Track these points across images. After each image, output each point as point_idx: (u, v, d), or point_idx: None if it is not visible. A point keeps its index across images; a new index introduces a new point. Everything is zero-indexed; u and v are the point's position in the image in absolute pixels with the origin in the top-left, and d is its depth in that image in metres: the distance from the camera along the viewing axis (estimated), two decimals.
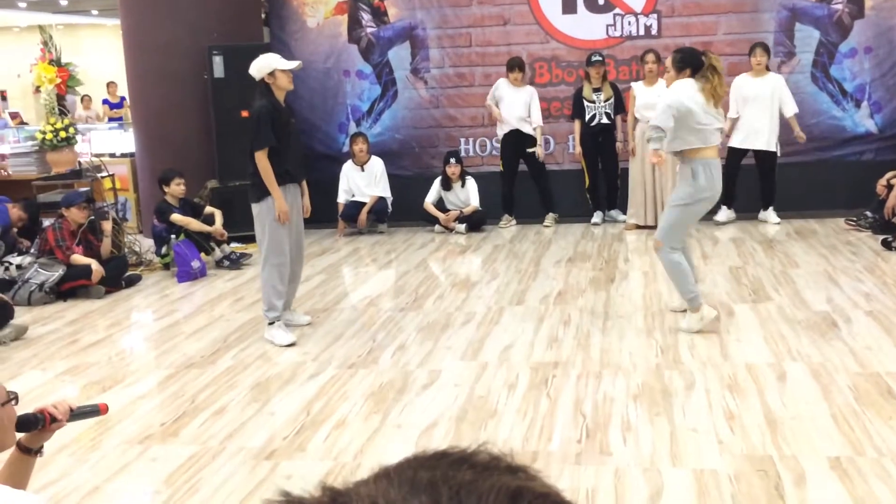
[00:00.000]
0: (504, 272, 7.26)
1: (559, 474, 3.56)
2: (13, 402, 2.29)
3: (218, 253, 8.00)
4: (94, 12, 19.83)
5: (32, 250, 7.36)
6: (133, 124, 9.77)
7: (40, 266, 7.09)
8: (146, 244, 8.48)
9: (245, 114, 5.86)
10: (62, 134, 9.09)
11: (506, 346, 5.30)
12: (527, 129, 9.04)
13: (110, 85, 17.30)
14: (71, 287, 7.12)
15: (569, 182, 9.37)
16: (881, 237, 7.48)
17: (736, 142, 8.43)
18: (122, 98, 15.86)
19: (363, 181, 9.28)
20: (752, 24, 9.08)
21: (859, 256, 7.15)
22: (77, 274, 7.10)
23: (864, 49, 9.00)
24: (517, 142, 9.08)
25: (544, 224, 9.21)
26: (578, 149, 9.10)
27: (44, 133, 9.17)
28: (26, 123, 15.88)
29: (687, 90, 5.15)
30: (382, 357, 5.25)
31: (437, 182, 9.22)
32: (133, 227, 9.68)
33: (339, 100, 9.83)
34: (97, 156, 9.61)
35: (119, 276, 7.43)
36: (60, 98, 9.44)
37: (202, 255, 7.82)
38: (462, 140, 9.68)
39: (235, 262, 7.98)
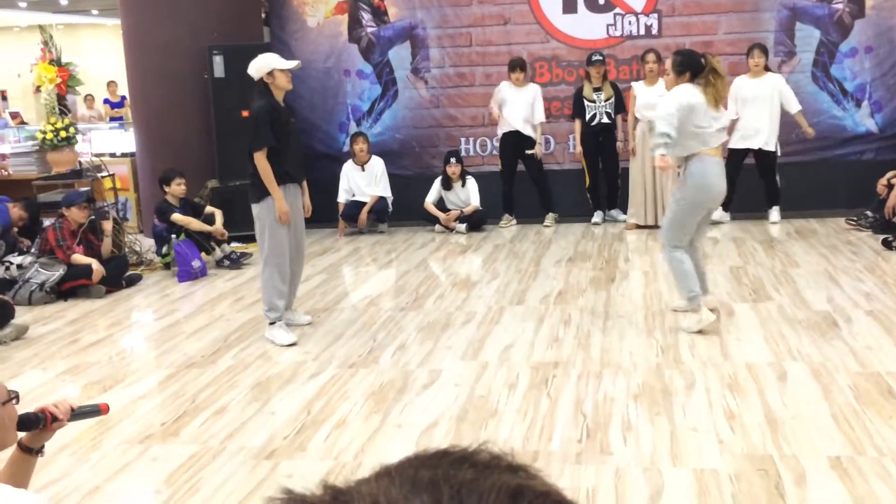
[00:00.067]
0: (504, 272, 7.27)
1: (559, 474, 3.56)
2: (14, 402, 2.30)
3: (218, 252, 8.00)
4: (95, 12, 19.83)
5: (33, 250, 7.37)
6: (133, 124, 9.77)
7: (41, 266, 7.10)
8: (147, 244, 8.48)
9: (245, 113, 5.86)
10: (62, 134, 9.09)
11: (506, 346, 5.30)
12: (528, 131, 9.04)
13: (111, 84, 17.30)
14: (71, 287, 7.12)
15: (569, 182, 9.37)
16: (882, 237, 7.48)
17: (735, 143, 8.44)
18: (123, 97, 15.87)
19: (363, 181, 9.29)
20: (753, 24, 9.08)
21: (860, 256, 7.15)
22: (77, 273, 7.10)
23: (864, 48, 9.00)
24: (516, 142, 9.08)
25: (545, 224, 9.21)
26: (579, 148, 9.10)
27: (44, 133, 9.17)
28: (26, 123, 15.88)
29: (687, 93, 5.14)
30: (383, 357, 5.25)
31: (437, 182, 9.22)
32: (133, 226, 9.69)
33: (339, 99, 9.83)
34: (97, 155, 9.60)
35: (119, 275, 7.44)
36: (61, 98, 9.44)
37: (203, 254, 7.82)
38: (462, 140, 9.68)
39: (236, 261, 7.98)
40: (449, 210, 9.19)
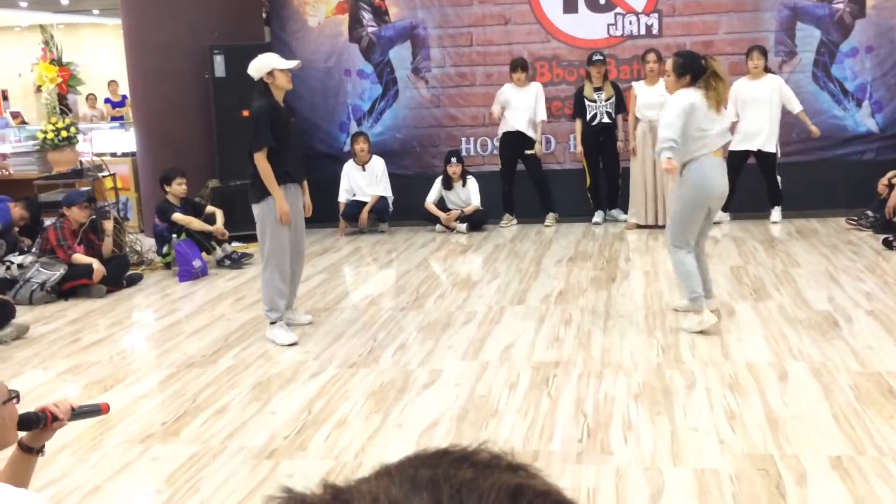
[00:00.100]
0: (505, 272, 7.27)
1: (560, 474, 3.56)
2: (15, 401, 2.30)
3: (219, 252, 8.00)
4: (95, 12, 19.82)
5: (34, 249, 7.37)
6: (134, 124, 9.77)
7: (41, 265, 7.10)
8: (147, 243, 8.48)
9: (246, 113, 5.86)
10: (63, 133, 9.09)
11: (507, 346, 5.30)
12: (531, 132, 9.04)
13: (111, 84, 17.31)
14: (72, 286, 7.12)
15: (570, 181, 9.37)
16: (882, 236, 7.48)
17: (735, 144, 8.43)
18: (124, 97, 15.88)
19: (364, 180, 9.29)
20: (753, 24, 9.08)
21: (860, 256, 7.15)
22: (78, 273, 7.10)
23: (865, 48, 9.00)
24: (516, 142, 9.08)
25: (545, 224, 9.21)
26: (580, 148, 9.10)
27: (45, 132, 9.17)
28: (27, 123, 15.89)
29: (689, 97, 5.14)
30: (383, 356, 5.25)
31: (438, 181, 9.23)
32: (134, 226, 9.69)
33: (340, 99, 9.84)
34: (98, 155, 9.60)
35: (120, 275, 7.44)
36: (62, 97, 9.44)
37: (203, 254, 7.82)
38: (463, 139, 9.68)
39: (236, 261, 7.99)
40: (449, 210, 9.19)
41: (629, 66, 9.32)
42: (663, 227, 8.45)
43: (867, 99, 9.05)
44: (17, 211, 7.82)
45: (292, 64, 5.60)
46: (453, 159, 9.13)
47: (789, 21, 9.06)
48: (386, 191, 9.30)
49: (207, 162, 9.05)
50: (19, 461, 2.40)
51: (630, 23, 9.30)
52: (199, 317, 6.42)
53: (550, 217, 9.26)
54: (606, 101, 8.94)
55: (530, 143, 9.07)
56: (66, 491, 3.70)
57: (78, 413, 2.49)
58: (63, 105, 9.42)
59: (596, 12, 9.31)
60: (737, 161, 8.39)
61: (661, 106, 8.33)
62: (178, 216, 7.78)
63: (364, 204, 9.23)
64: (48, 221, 7.68)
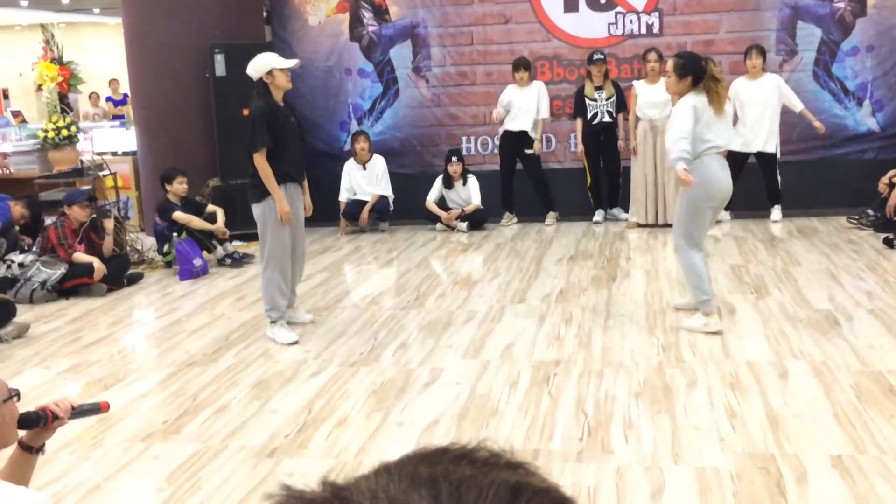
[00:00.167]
0: (505, 270, 7.26)
1: (560, 472, 3.56)
2: (15, 400, 2.30)
3: (220, 251, 8.00)
4: (96, 10, 19.82)
5: (34, 248, 7.37)
6: (135, 123, 9.78)
7: (42, 264, 7.10)
8: (148, 242, 8.48)
9: (246, 112, 5.85)
10: (64, 132, 9.10)
11: (507, 345, 5.30)
12: (533, 133, 9.04)
13: (112, 82, 17.33)
14: (73, 285, 7.12)
15: (570, 180, 9.37)
16: (883, 235, 7.48)
17: (735, 146, 8.41)
18: (125, 95, 15.89)
19: (365, 179, 9.29)
20: (754, 23, 9.08)
21: (861, 255, 7.15)
22: (79, 272, 7.10)
23: (865, 47, 8.99)
24: (516, 140, 9.08)
25: (546, 223, 9.21)
26: (580, 147, 9.10)
27: (46, 131, 9.18)
28: (27, 122, 15.89)
29: (694, 103, 5.13)
30: (384, 355, 5.25)
31: (438, 180, 9.23)
32: (135, 225, 9.69)
33: (340, 98, 9.83)
34: (99, 154, 9.61)
35: (121, 274, 7.44)
36: (62, 96, 9.45)
37: (204, 253, 7.82)
38: (464, 138, 9.68)
39: (237, 260, 7.99)
40: (450, 209, 9.19)
41: (630, 65, 9.31)
42: (664, 226, 8.47)
43: (868, 98, 9.04)
44: (17, 210, 7.82)
45: (291, 63, 5.58)
46: (454, 158, 9.13)
47: (790, 20, 9.05)
48: (386, 190, 9.30)
49: (208, 161, 9.05)
50: (20, 460, 2.40)
51: (631, 22, 9.30)
52: (200, 316, 6.42)
53: (551, 216, 9.26)
54: (607, 100, 8.93)
55: (530, 142, 9.06)
56: (66, 489, 3.70)
57: (78, 412, 2.49)
58: (64, 104, 9.43)
59: (597, 11, 9.31)
60: (737, 162, 8.37)
61: (662, 105, 8.39)
62: (178, 215, 7.78)
63: (365, 203, 9.23)
64: (49, 220, 7.68)
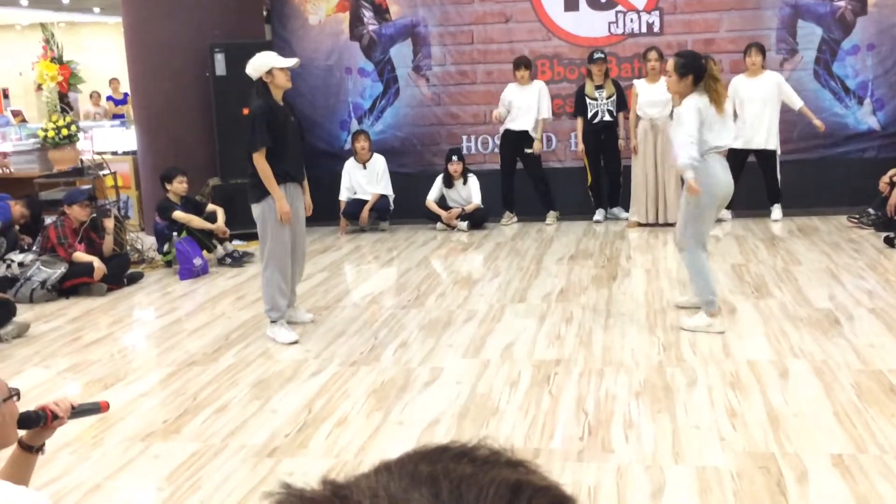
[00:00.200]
0: (506, 270, 7.26)
1: (561, 471, 3.56)
2: (15, 399, 2.29)
3: (220, 250, 8.00)
4: (96, 10, 19.83)
5: (34, 248, 7.37)
6: (135, 122, 9.79)
7: (42, 264, 7.10)
8: (148, 242, 8.48)
9: (246, 111, 5.85)
10: (64, 132, 9.10)
11: (508, 344, 5.30)
12: (533, 133, 9.04)
13: (113, 81, 17.34)
14: (73, 285, 7.12)
15: (571, 180, 9.37)
16: (884, 234, 7.47)
17: (736, 143, 8.41)
18: (126, 94, 15.90)
19: (365, 179, 9.28)
20: (755, 21, 9.07)
21: (862, 254, 7.14)
22: (79, 271, 7.10)
23: (866, 46, 8.99)
24: (516, 139, 9.07)
25: (546, 222, 9.20)
26: (581, 146, 9.09)
27: (46, 131, 9.18)
28: (27, 121, 15.90)
29: (698, 106, 5.13)
30: (384, 354, 5.25)
31: (439, 179, 9.22)
32: (135, 224, 9.69)
33: (340, 97, 9.83)
34: (99, 153, 9.61)
35: (121, 273, 7.44)
36: (62, 96, 9.45)
37: (204, 252, 7.82)
38: (464, 137, 9.67)
39: (237, 259, 7.99)
40: (450, 208, 9.18)
41: (630, 64, 9.31)
42: (664, 225, 8.47)
43: (868, 97, 9.04)
44: (17, 209, 7.82)
45: (291, 62, 5.56)
46: (454, 157, 9.13)
47: (790, 19, 9.05)
48: (387, 189, 9.30)
49: (208, 160, 9.05)
50: (19, 460, 2.40)
51: (631, 21, 9.29)
52: (200, 315, 6.42)
53: (551, 215, 9.25)
54: (608, 99, 8.93)
55: (530, 141, 9.06)
56: (66, 489, 3.70)
57: (78, 411, 2.49)
58: (64, 103, 9.42)
59: (597, 10, 9.31)
60: (738, 160, 8.37)
61: (663, 104, 8.39)
62: (178, 214, 7.77)
63: (365, 202, 9.23)
64: (49, 220, 7.68)
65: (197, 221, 7.84)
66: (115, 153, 10.37)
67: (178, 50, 8.91)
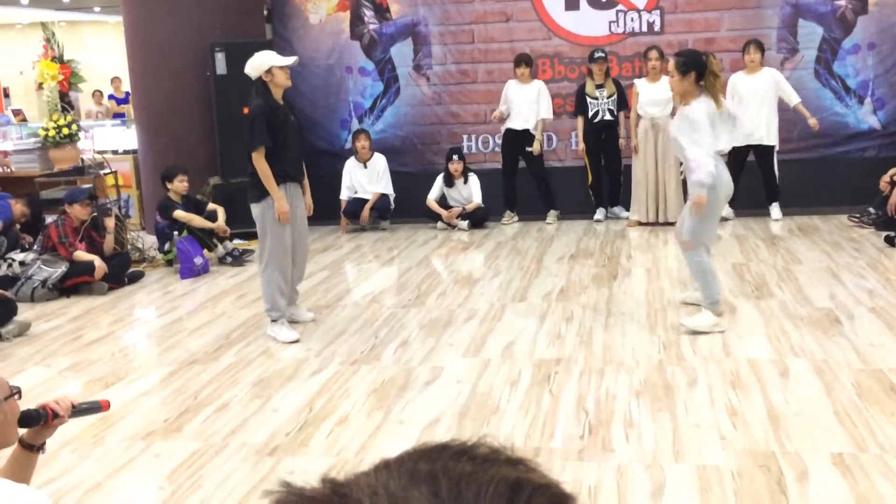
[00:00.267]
0: (506, 269, 7.26)
1: (561, 471, 3.56)
2: (16, 398, 2.29)
3: (221, 249, 8.00)
4: (97, 9, 19.81)
5: (35, 247, 7.37)
6: (136, 121, 9.79)
7: (43, 262, 7.10)
8: (149, 241, 8.48)
9: (247, 110, 5.85)
10: (65, 131, 9.10)
11: (508, 343, 5.30)
12: (534, 132, 9.04)
13: (115, 80, 17.34)
14: (74, 283, 7.12)
15: (571, 179, 9.36)
16: (884, 234, 7.47)
17: (736, 141, 8.41)
18: (127, 93, 15.91)
19: (366, 178, 9.28)
20: (755, 21, 9.07)
21: (862, 253, 7.14)
22: (80, 270, 7.11)
23: (867, 45, 8.98)
24: (518, 139, 9.07)
25: (547, 221, 9.20)
26: (581, 145, 9.09)
27: (46, 130, 9.18)
28: (28, 121, 15.90)
29: (706, 110, 5.13)
30: (385, 354, 5.25)
31: (439, 179, 9.22)
32: (136, 223, 9.69)
33: (341, 96, 9.83)
34: (100, 152, 9.61)
35: (122, 272, 7.44)
36: (63, 95, 9.45)
37: (205, 251, 7.82)
38: (465, 137, 9.67)
39: (238, 258, 7.99)
40: (451, 207, 9.18)
41: (631, 64, 9.30)
42: (665, 224, 8.46)
43: (869, 96, 9.03)
44: (18, 208, 7.83)
45: (290, 60, 5.55)
46: (455, 156, 9.13)
47: (791, 18, 9.04)
48: (387, 188, 9.30)
49: (209, 159, 9.05)
50: (20, 458, 2.40)
51: (632, 20, 9.29)
52: (201, 314, 6.42)
53: (552, 214, 9.25)
54: (608, 98, 8.93)
55: (532, 140, 9.06)
56: (67, 487, 3.70)
57: (79, 410, 2.49)
58: (64, 102, 9.43)
59: (598, 9, 9.30)
60: (739, 157, 8.38)
61: (664, 103, 8.39)
62: (179, 213, 7.78)
63: (365, 201, 9.23)
64: (50, 219, 7.69)
65: (198, 220, 7.84)
66: (115, 152, 10.37)
67: (178, 49, 8.91)
